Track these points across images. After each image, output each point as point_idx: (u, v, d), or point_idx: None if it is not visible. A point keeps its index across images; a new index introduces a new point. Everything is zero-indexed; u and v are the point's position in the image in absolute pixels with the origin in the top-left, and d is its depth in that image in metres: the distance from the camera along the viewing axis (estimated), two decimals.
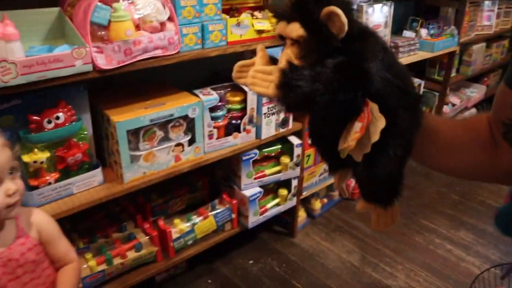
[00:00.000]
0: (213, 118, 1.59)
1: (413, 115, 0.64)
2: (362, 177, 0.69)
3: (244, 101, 1.66)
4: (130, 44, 1.24)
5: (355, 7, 0.58)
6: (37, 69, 1.09)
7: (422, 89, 2.72)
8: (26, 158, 1.25)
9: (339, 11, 0.55)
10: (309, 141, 0.74)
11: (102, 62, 1.20)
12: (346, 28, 0.57)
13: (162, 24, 1.35)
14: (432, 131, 0.69)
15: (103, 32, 1.21)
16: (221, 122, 1.63)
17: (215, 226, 1.78)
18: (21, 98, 1.21)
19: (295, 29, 0.58)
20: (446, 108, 2.99)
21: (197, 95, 1.55)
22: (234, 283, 1.93)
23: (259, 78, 0.61)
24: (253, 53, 1.65)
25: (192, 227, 1.72)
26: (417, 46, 2.55)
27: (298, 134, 1.93)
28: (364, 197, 0.74)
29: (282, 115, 1.79)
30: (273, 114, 1.74)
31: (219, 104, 1.60)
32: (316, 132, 0.72)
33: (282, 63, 0.60)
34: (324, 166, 2.20)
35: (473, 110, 3.41)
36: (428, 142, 0.70)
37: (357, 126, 0.60)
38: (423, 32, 2.67)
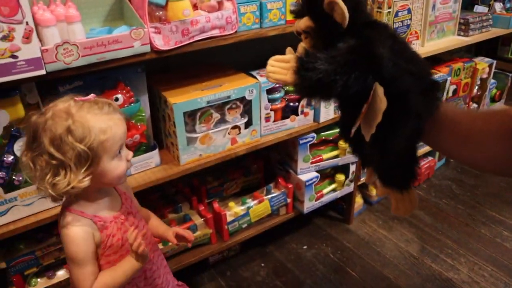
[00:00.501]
0: (270, 100, 1.55)
1: (427, 101, 0.68)
2: (374, 158, 0.74)
3: None
4: (188, 24, 1.21)
5: None
6: (97, 50, 1.08)
7: (493, 69, 2.52)
8: None
9: (338, 1, 0.62)
10: (341, 138, 0.83)
11: (160, 43, 1.18)
12: (347, 14, 0.62)
13: (220, 3, 1.31)
14: (451, 121, 0.70)
15: (161, 12, 1.19)
16: (278, 105, 1.58)
17: (270, 210, 1.76)
18: (82, 79, 1.22)
19: (304, 22, 0.67)
20: None
21: (254, 77, 1.51)
22: (287, 267, 1.91)
23: (277, 66, 0.66)
24: None
25: (247, 210, 1.70)
26: (490, 22, 2.35)
27: None
28: (381, 181, 0.77)
29: None
30: None
31: (277, 85, 1.55)
32: (344, 127, 0.75)
33: (298, 53, 0.67)
34: None
35: None
36: (446, 132, 0.71)
37: (364, 107, 0.66)
38: (498, 6, 2.45)
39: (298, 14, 0.70)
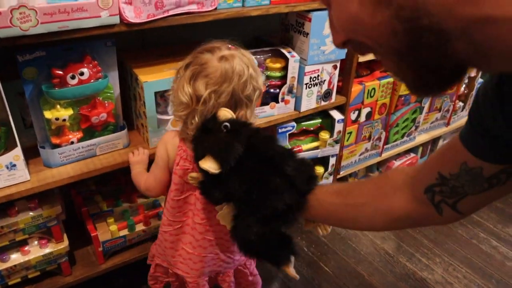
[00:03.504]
0: None
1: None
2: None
3: (285, 68, 1.53)
4: None
5: None
6: (59, 18, 0.99)
7: None
8: (48, 114, 1.18)
9: (202, 165, 0.92)
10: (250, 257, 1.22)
11: (130, 15, 1.09)
12: (213, 170, 0.91)
13: None
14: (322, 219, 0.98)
15: None
16: None
17: None
18: (45, 50, 1.12)
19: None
20: None
21: None
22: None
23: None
24: (298, 16, 1.50)
25: None
26: None
27: (341, 108, 1.78)
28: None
29: (325, 87, 1.64)
30: (315, 85, 1.60)
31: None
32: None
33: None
34: (365, 145, 2.05)
35: None
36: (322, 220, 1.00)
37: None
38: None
39: None
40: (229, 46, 1.08)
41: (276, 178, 0.90)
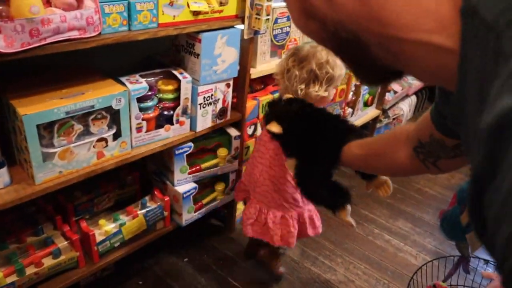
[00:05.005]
0: (141, 109, 1.43)
1: (329, 153, 1.11)
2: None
3: (178, 90, 1.51)
4: (37, 23, 1.04)
5: None
6: None
7: None
8: None
9: (269, 127, 1.24)
10: (305, 196, 1.26)
11: (1, 44, 1.00)
12: (278, 131, 1.24)
13: (79, 0, 1.16)
14: (354, 160, 1.08)
15: (1, 7, 1.00)
16: (151, 114, 1.46)
17: (146, 226, 1.63)
18: None
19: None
20: (388, 96, 2.98)
21: (123, 83, 1.38)
22: (167, 283, 1.80)
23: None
24: (188, 37, 1.49)
25: (120, 227, 1.55)
26: None
27: (237, 125, 1.81)
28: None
29: (220, 105, 1.65)
30: (209, 104, 1.60)
31: (149, 93, 1.43)
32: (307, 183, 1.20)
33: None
34: None
35: (413, 97, 3.44)
36: (356, 166, 1.13)
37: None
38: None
39: None
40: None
41: (321, 134, 1.12)
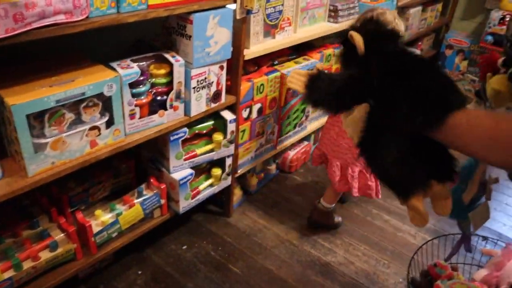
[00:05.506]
0: (134, 95, 1.38)
1: (428, 114, 0.70)
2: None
3: (170, 74, 1.46)
4: (21, 7, 0.99)
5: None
6: None
7: None
8: None
9: (353, 34, 0.79)
10: (383, 183, 0.82)
11: None
12: (361, 46, 0.78)
13: None
14: (469, 126, 0.69)
15: None
16: (144, 99, 1.42)
17: (143, 215, 1.60)
18: None
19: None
20: None
21: (114, 69, 1.33)
22: (166, 271, 1.78)
23: (296, 78, 0.88)
24: (179, 19, 1.45)
25: (116, 217, 1.52)
26: (356, 10, 2.43)
27: (231, 108, 1.77)
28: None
29: (214, 88, 1.61)
30: (203, 87, 1.56)
31: (141, 78, 1.39)
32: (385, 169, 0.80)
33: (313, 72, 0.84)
34: (260, 141, 2.06)
35: None
36: (466, 137, 0.70)
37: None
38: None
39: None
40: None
41: (421, 81, 0.72)
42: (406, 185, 0.79)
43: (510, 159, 0.66)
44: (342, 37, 0.84)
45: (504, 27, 3.11)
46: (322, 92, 0.80)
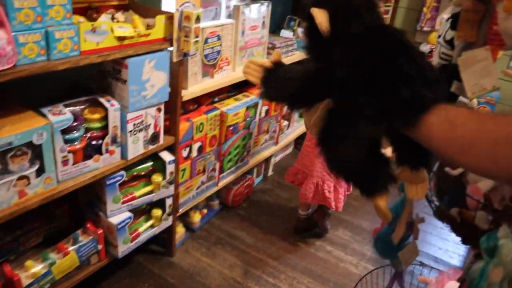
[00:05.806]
0: (67, 141, 1.35)
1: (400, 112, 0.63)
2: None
3: (105, 118, 1.44)
4: None
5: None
6: None
7: None
8: None
9: (315, 12, 0.65)
10: (340, 178, 0.75)
11: None
12: (324, 26, 0.65)
13: None
14: (449, 124, 0.60)
15: None
16: (78, 145, 1.38)
17: (78, 262, 1.54)
18: None
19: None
20: None
21: (45, 115, 1.30)
22: None
23: (252, 68, 0.80)
24: (113, 63, 1.44)
25: (49, 268, 1.45)
26: (294, 46, 2.52)
27: (170, 148, 1.76)
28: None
29: (151, 130, 1.60)
30: (140, 130, 1.55)
31: (75, 124, 1.36)
32: (340, 164, 0.74)
33: (270, 59, 0.79)
34: (201, 178, 2.06)
35: None
36: (443, 138, 0.61)
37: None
38: (301, 31, 2.63)
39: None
40: None
41: (398, 67, 0.61)
42: (368, 185, 0.75)
43: (493, 165, 0.55)
44: (305, 12, 0.69)
45: (432, 59, 3.33)
46: (278, 91, 0.75)
